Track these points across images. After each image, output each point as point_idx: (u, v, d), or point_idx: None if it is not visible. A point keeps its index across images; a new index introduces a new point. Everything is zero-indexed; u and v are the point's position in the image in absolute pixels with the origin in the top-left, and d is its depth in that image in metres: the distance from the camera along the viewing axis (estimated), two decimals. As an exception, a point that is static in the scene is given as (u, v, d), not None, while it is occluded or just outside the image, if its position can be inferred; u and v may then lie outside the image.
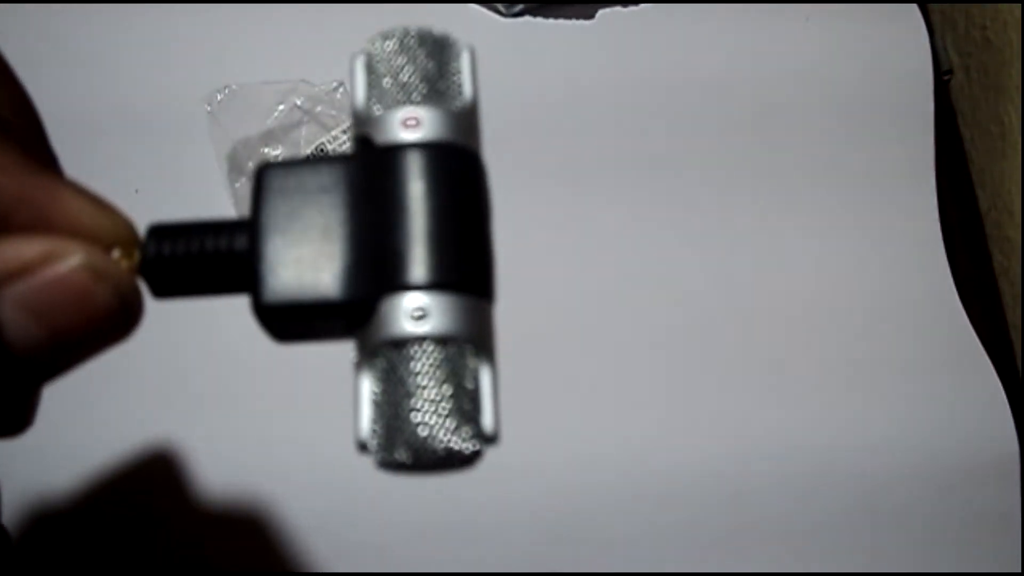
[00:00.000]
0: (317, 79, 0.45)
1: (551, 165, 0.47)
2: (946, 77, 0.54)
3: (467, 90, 0.19)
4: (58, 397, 0.18)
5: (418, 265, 0.17)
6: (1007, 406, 0.46)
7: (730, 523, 0.43)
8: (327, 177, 0.18)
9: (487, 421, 0.17)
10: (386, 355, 0.17)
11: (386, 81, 0.19)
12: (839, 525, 0.43)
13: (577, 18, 0.50)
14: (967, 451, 0.45)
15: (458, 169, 0.18)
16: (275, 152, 0.44)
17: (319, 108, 0.44)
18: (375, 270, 0.17)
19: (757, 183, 0.48)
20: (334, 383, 0.42)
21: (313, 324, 0.18)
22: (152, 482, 0.40)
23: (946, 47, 0.55)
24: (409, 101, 0.19)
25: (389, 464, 0.17)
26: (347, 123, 0.44)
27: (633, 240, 0.47)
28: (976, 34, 0.53)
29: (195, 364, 0.42)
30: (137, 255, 0.18)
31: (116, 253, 0.18)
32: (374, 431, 0.17)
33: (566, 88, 0.48)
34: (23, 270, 0.16)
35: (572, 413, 0.43)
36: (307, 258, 0.18)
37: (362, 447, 0.17)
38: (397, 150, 0.18)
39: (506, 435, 0.45)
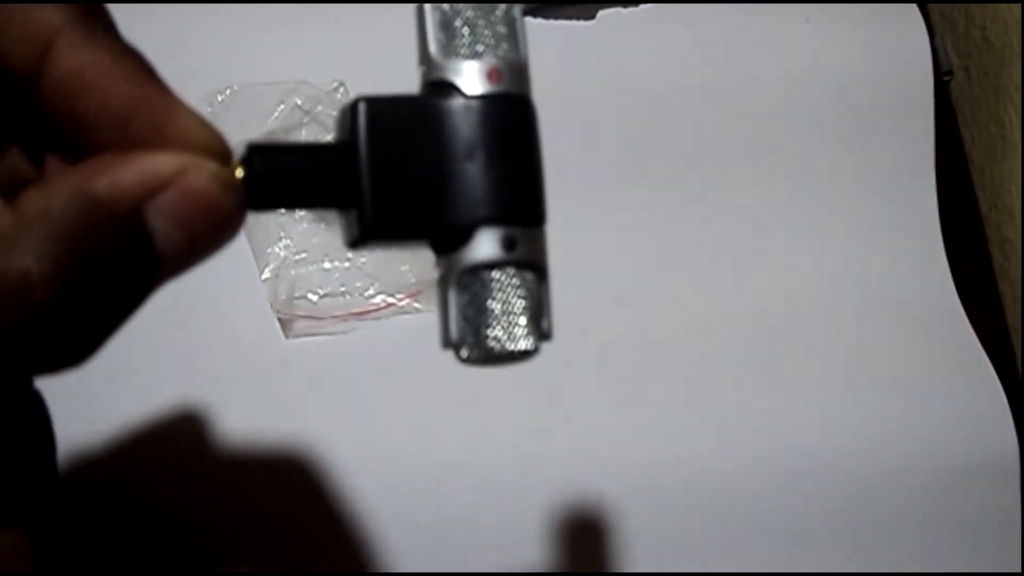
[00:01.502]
0: (317, 79, 0.45)
1: (551, 165, 0.46)
2: (946, 78, 0.54)
3: (523, 46, 0.22)
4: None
5: (508, 203, 0.21)
6: (1007, 407, 0.46)
7: (730, 523, 0.43)
8: (418, 112, 0.21)
9: (546, 325, 0.22)
10: (479, 275, 0.21)
11: (464, 31, 0.22)
12: (839, 525, 0.43)
13: (577, 19, 0.50)
14: (967, 451, 0.45)
15: (528, 118, 0.22)
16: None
17: (319, 108, 0.44)
18: (472, 202, 0.21)
19: (757, 183, 0.48)
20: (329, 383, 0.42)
21: (408, 240, 0.21)
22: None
23: (946, 48, 0.55)
24: (482, 55, 0.22)
25: (471, 361, 0.21)
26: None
27: (632, 240, 0.47)
28: (976, 35, 0.53)
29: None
30: (239, 169, 0.20)
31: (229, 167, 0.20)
32: (463, 334, 0.21)
33: (566, 88, 0.48)
34: (165, 183, 0.18)
35: (572, 413, 0.43)
36: (407, 184, 0.21)
37: (448, 345, 0.21)
38: (486, 100, 0.21)
39: (505, 436, 0.45)
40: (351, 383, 0.42)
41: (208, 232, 0.19)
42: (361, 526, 0.40)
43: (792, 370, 0.45)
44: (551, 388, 0.43)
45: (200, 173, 0.18)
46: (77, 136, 0.19)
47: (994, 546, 0.44)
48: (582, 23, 0.50)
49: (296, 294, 0.42)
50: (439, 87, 0.21)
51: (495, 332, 0.21)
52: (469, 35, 0.22)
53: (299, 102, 0.44)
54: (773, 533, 0.43)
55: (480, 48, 0.22)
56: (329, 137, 0.44)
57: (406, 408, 0.42)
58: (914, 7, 0.52)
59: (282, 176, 0.20)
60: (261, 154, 0.20)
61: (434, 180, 0.21)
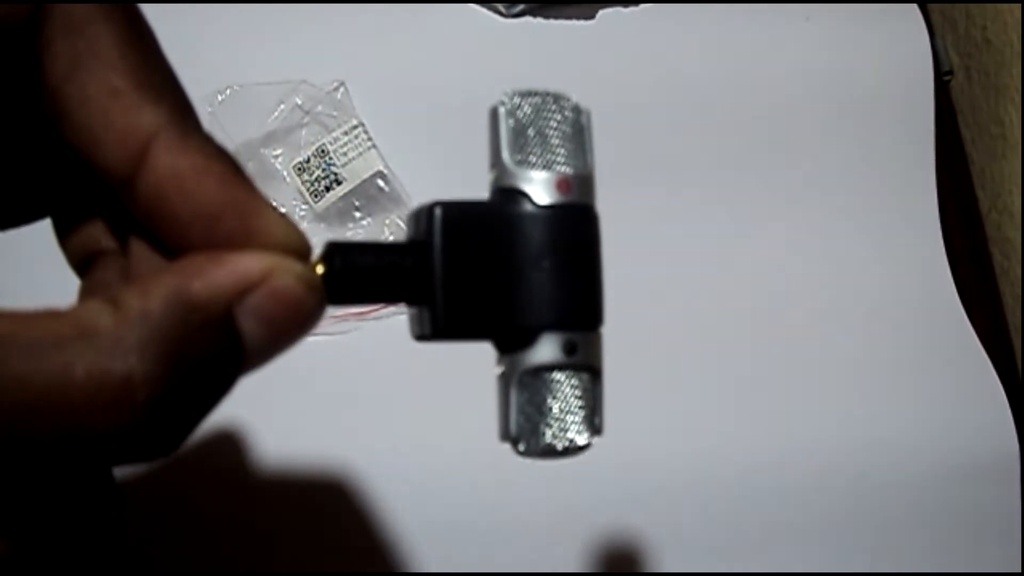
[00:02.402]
0: (317, 79, 0.45)
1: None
2: (946, 78, 0.54)
3: (591, 156, 0.24)
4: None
5: (570, 309, 0.23)
6: (1007, 406, 0.46)
7: (730, 522, 0.43)
8: (491, 218, 0.22)
9: (598, 422, 0.23)
10: (541, 376, 0.22)
11: (535, 141, 0.23)
12: (839, 525, 0.43)
13: (577, 18, 0.50)
14: (967, 451, 0.45)
15: (592, 227, 0.24)
16: (275, 153, 0.44)
17: (319, 108, 0.44)
18: (537, 307, 0.22)
19: (757, 183, 0.48)
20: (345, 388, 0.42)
21: (473, 339, 0.22)
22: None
23: (946, 48, 0.55)
24: (551, 166, 0.23)
25: (528, 455, 0.23)
26: (348, 124, 0.44)
27: (632, 240, 0.47)
28: (976, 35, 0.53)
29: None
30: (319, 267, 0.21)
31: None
32: (521, 430, 0.23)
33: (566, 89, 0.48)
34: (254, 284, 0.19)
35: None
36: (478, 286, 0.22)
37: (507, 439, 0.23)
38: (555, 210, 0.23)
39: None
40: (351, 383, 0.42)
41: (292, 329, 0.20)
42: (361, 525, 0.40)
43: (792, 370, 0.45)
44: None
45: (286, 274, 0.19)
46: (167, 231, 0.19)
47: (994, 546, 0.44)
48: (582, 23, 0.50)
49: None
50: (509, 194, 0.22)
51: (552, 430, 0.23)
52: (540, 145, 0.23)
53: (299, 102, 0.44)
54: (773, 533, 0.43)
55: (550, 158, 0.23)
56: (330, 137, 0.44)
57: (406, 408, 0.42)
58: (914, 7, 0.52)
59: (360, 274, 0.21)
60: (341, 253, 0.21)
61: (503, 285, 0.22)
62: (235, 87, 0.44)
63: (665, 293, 0.46)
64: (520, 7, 0.49)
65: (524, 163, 0.23)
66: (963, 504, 0.44)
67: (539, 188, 0.23)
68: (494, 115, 0.23)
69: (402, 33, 0.48)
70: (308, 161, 0.43)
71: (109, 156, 0.19)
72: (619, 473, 0.42)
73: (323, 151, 0.43)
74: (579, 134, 0.24)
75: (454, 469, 0.42)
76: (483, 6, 0.49)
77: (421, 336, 0.23)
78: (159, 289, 0.18)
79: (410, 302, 0.22)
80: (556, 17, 0.50)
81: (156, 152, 0.19)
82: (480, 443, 0.42)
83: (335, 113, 0.44)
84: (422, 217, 0.22)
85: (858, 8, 0.52)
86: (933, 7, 0.55)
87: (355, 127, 0.44)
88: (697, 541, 0.42)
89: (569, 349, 0.23)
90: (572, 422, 0.23)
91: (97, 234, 0.22)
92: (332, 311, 0.43)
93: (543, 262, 0.22)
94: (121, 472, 0.40)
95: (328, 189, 0.43)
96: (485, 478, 0.42)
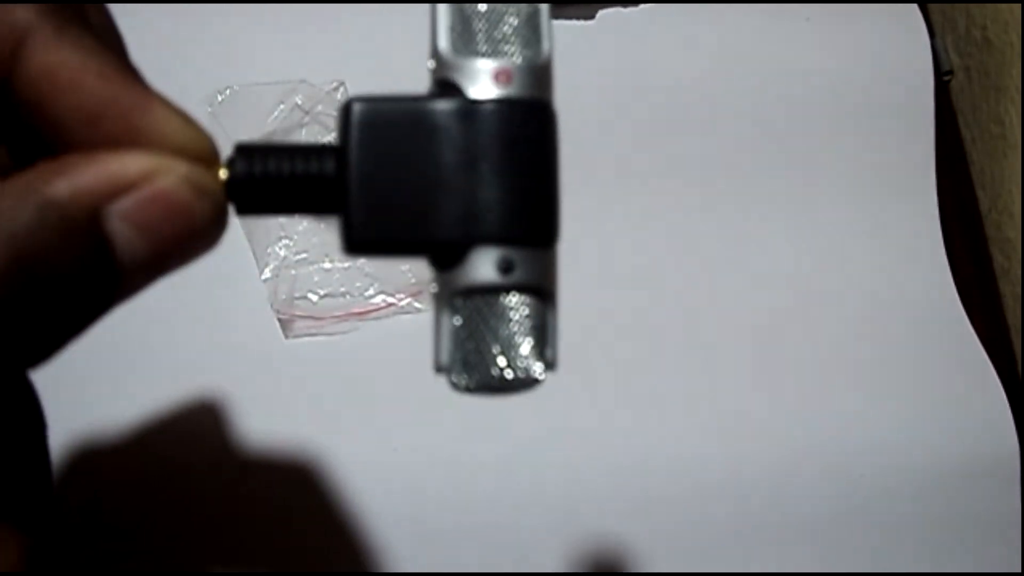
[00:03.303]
0: (317, 79, 0.45)
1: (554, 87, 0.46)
2: (946, 77, 0.54)
3: (547, 44, 0.20)
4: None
5: (508, 220, 0.19)
6: (1007, 407, 0.46)
7: (729, 522, 0.43)
8: (415, 116, 0.19)
9: (549, 355, 0.20)
10: (473, 298, 0.19)
11: (476, 26, 0.20)
12: (839, 525, 0.43)
13: (577, 18, 0.50)
14: (967, 451, 0.45)
15: (541, 125, 0.20)
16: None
17: (319, 108, 0.44)
18: (467, 218, 0.19)
19: (756, 183, 0.48)
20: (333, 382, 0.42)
21: (398, 255, 0.20)
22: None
23: (946, 47, 0.55)
24: (497, 53, 0.20)
25: (463, 388, 0.20)
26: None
27: (632, 240, 0.47)
28: (976, 34, 0.53)
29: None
30: (223, 171, 0.19)
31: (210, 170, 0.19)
32: (454, 359, 0.20)
33: (566, 89, 0.48)
34: (129, 185, 0.17)
35: (573, 413, 0.43)
36: (398, 193, 0.19)
37: (439, 370, 0.20)
38: (489, 104, 0.19)
39: (506, 435, 0.45)
40: (351, 383, 0.42)
41: (177, 240, 0.18)
42: (361, 526, 0.40)
43: (791, 370, 0.45)
44: (552, 387, 0.43)
45: (169, 175, 0.17)
46: (53, 137, 0.18)
47: (994, 546, 0.44)
48: (582, 23, 0.50)
49: (296, 294, 0.42)
50: (445, 87, 0.20)
51: (487, 359, 0.20)
52: (483, 32, 0.20)
53: (299, 102, 0.44)
54: (772, 533, 0.43)
55: (493, 45, 0.20)
56: (330, 137, 0.44)
57: (406, 408, 0.42)
58: (914, 7, 0.52)
59: (268, 181, 0.19)
60: (247, 156, 0.19)
61: (428, 192, 0.19)
62: (235, 87, 0.44)
63: (664, 292, 0.46)
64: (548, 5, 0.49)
65: (462, 51, 0.20)
66: (963, 504, 0.44)
67: (476, 80, 0.19)
68: (435, 6, 0.20)
69: (402, 33, 0.48)
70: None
71: None
72: (618, 473, 0.42)
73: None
74: (532, 18, 0.20)
75: (454, 469, 0.42)
76: (483, 6, 0.49)
77: (343, 250, 0.20)
78: (13, 187, 0.16)
79: (329, 213, 0.20)
80: (556, 17, 0.49)
81: (29, 48, 0.18)
82: (480, 443, 0.42)
83: (335, 113, 0.44)
84: (340, 116, 0.20)
85: (858, 8, 0.52)
86: (933, 7, 0.55)
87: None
88: (696, 541, 0.42)
89: (504, 267, 0.19)
90: (512, 352, 0.20)
91: (3, 160, 0.21)
92: (333, 311, 0.43)
93: (475, 166, 0.19)
94: (123, 473, 0.40)
95: (328, 189, 0.43)
96: (485, 478, 0.42)
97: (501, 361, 0.20)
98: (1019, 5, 0.49)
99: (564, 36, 0.49)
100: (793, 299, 0.46)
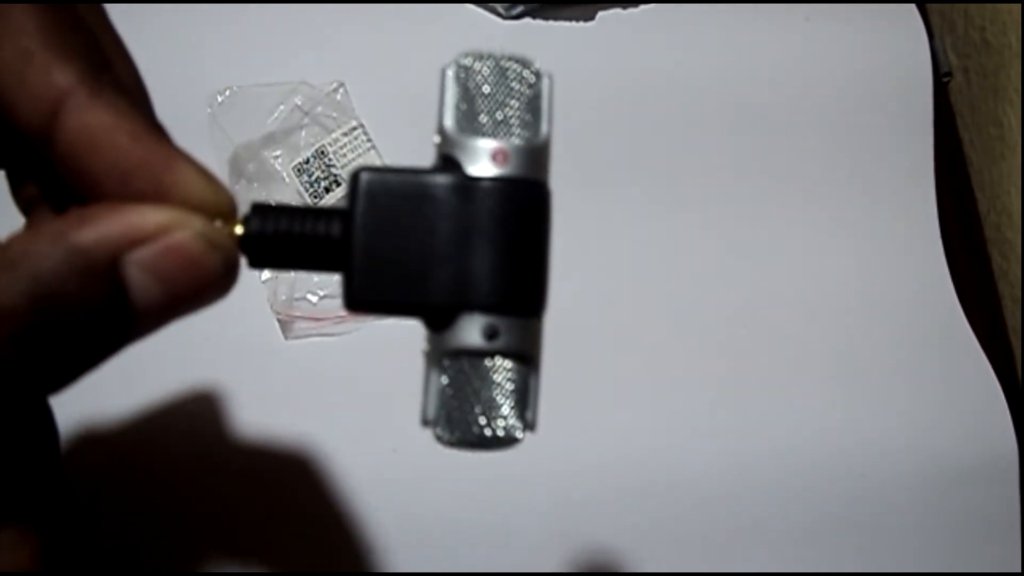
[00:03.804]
0: (317, 79, 0.45)
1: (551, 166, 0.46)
2: (945, 79, 0.54)
3: (546, 127, 0.22)
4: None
5: (496, 291, 0.21)
6: (1006, 407, 0.46)
7: (729, 523, 0.43)
8: (417, 188, 0.21)
9: (529, 417, 0.22)
10: (459, 360, 0.21)
11: (479, 106, 0.21)
12: (839, 525, 0.43)
13: (577, 20, 0.50)
14: (966, 452, 0.45)
15: (534, 204, 0.22)
16: (275, 154, 0.44)
17: (319, 109, 0.44)
18: (458, 285, 0.21)
19: (756, 184, 0.48)
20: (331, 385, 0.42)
21: (394, 314, 0.21)
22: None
23: (945, 49, 0.55)
24: (498, 134, 0.21)
25: (444, 443, 0.21)
26: (347, 125, 0.44)
27: (632, 240, 0.47)
28: (975, 36, 0.53)
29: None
30: (239, 227, 0.21)
31: (219, 223, 0.20)
32: (439, 415, 0.21)
33: (566, 90, 0.48)
34: (148, 236, 0.19)
35: (573, 412, 0.43)
36: (397, 258, 0.21)
37: (425, 423, 0.21)
38: (485, 182, 0.21)
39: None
40: (351, 383, 0.42)
41: (190, 288, 0.19)
42: (361, 526, 0.40)
43: (791, 370, 0.45)
44: (552, 388, 0.43)
45: (185, 230, 0.19)
46: (87, 190, 0.20)
47: (994, 546, 0.44)
48: (582, 24, 0.50)
49: (296, 295, 0.42)
50: (447, 162, 0.21)
51: (469, 418, 0.21)
52: (487, 112, 0.21)
53: (299, 102, 0.44)
54: (772, 533, 0.43)
55: (494, 126, 0.21)
56: (329, 138, 0.44)
57: (406, 408, 0.42)
58: (913, 8, 0.52)
59: (279, 239, 0.21)
60: (261, 215, 0.21)
61: (424, 259, 0.21)
62: (235, 88, 0.44)
63: (663, 293, 0.46)
64: (519, 8, 0.49)
65: (466, 130, 0.21)
66: (962, 505, 0.44)
67: (476, 158, 0.21)
68: (443, 76, 0.22)
69: (402, 34, 0.48)
70: (308, 162, 0.43)
71: (24, 115, 0.19)
72: (617, 473, 0.42)
73: (323, 152, 0.44)
74: (534, 101, 0.22)
75: (453, 469, 0.42)
76: (482, 7, 0.49)
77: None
78: (45, 231, 0.18)
79: (333, 271, 0.21)
80: (555, 19, 0.50)
81: (67, 110, 0.19)
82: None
83: (335, 114, 0.44)
84: (349, 184, 0.21)
85: (857, 9, 0.52)
86: (932, 8, 0.55)
87: (354, 128, 0.44)
88: (695, 542, 0.42)
89: (490, 333, 0.21)
90: (494, 412, 0.21)
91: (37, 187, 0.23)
92: (333, 312, 0.43)
93: (470, 239, 0.21)
94: (122, 473, 0.40)
95: (328, 190, 0.43)
96: (484, 478, 0.42)
97: (482, 421, 0.21)
98: (1018, 6, 0.49)
99: (564, 37, 0.49)
100: (792, 300, 0.46)
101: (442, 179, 0.21)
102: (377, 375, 0.42)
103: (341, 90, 0.45)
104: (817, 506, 0.43)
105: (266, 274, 0.42)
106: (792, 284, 0.47)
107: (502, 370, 0.21)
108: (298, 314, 0.42)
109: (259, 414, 0.41)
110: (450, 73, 0.21)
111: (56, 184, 0.22)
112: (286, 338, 0.42)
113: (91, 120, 0.19)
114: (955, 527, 0.44)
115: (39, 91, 0.19)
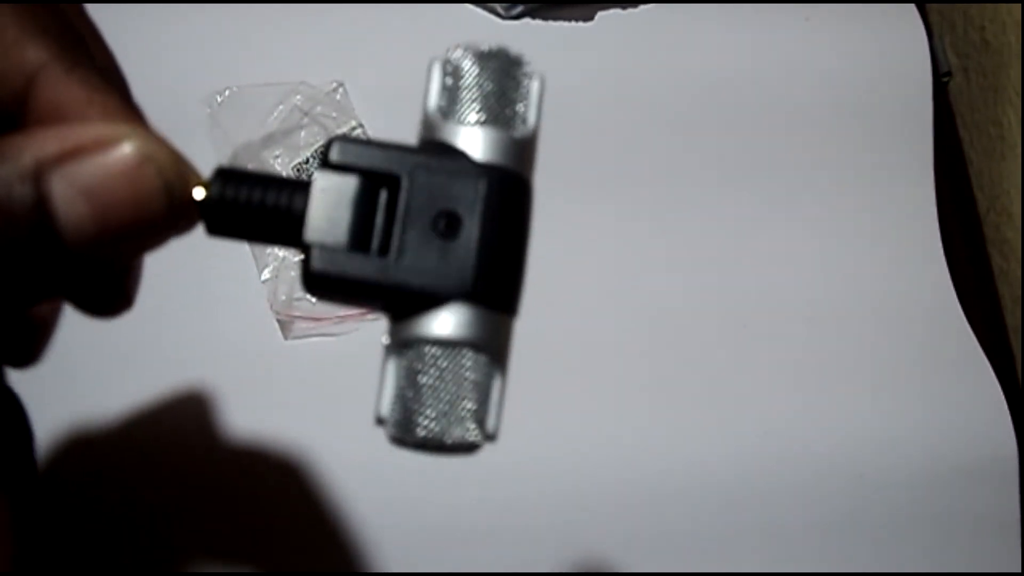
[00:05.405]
0: (317, 79, 0.45)
1: (551, 166, 0.46)
2: (945, 78, 0.54)
3: (532, 119, 0.20)
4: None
5: (470, 278, 0.19)
6: (1006, 407, 0.46)
7: (729, 523, 0.43)
8: (393, 165, 0.19)
9: (490, 424, 0.19)
10: (418, 350, 0.19)
11: (463, 95, 0.20)
12: (839, 525, 0.43)
13: (577, 20, 0.50)
14: (966, 452, 0.45)
15: (515, 196, 0.20)
16: (275, 154, 0.44)
17: (319, 109, 0.44)
18: (428, 268, 0.19)
19: (756, 184, 0.48)
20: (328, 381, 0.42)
21: (356, 297, 0.20)
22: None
23: (945, 48, 0.55)
24: (479, 122, 0.20)
25: (399, 442, 0.20)
26: (347, 125, 0.44)
27: (631, 240, 0.47)
28: (975, 35, 0.53)
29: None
30: (199, 191, 0.19)
31: (183, 168, 0.19)
32: (393, 411, 0.19)
33: (566, 90, 0.48)
34: (79, 151, 0.17)
35: (570, 414, 0.43)
36: (360, 237, 0.19)
37: (379, 422, 0.20)
38: (467, 163, 0.19)
39: (502, 436, 0.45)
40: (351, 384, 0.42)
41: (122, 211, 0.18)
42: (360, 527, 0.40)
43: (791, 370, 0.45)
44: (550, 389, 0.43)
45: (125, 146, 0.18)
46: None
47: (994, 546, 0.44)
48: (582, 23, 0.50)
49: (296, 295, 0.42)
50: (426, 145, 0.20)
51: (425, 417, 0.19)
52: (469, 101, 0.20)
53: (299, 103, 0.44)
54: (771, 534, 0.43)
55: (480, 116, 0.20)
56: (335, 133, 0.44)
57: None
58: (913, 7, 0.52)
59: (239, 207, 0.19)
60: (224, 179, 0.19)
61: (387, 241, 0.19)
62: (234, 88, 0.44)
63: (663, 292, 0.46)
64: (519, 8, 0.49)
65: (451, 117, 0.20)
66: (962, 505, 0.44)
67: (462, 142, 0.20)
68: (430, 65, 0.20)
69: (401, 34, 0.48)
70: (308, 162, 0.43)
71: None
72: (617, 473, 0.42)
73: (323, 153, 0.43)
74: (523, 96, 0.20)
75: (453, 469, 0.42)
76: (481, 7, 0.49)
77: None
78: None
79: (294, 246, 0.19)
80: (555, 19, 0.50)
81: (40, 85, 0.19)
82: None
83: (334, 114, 0.44)
84: (321, 153, 0.20)
85: (857, 8, 0.52)
86: (931, 8, 0.55)
87: (354, 128, 0.44)
88: (695, 542, 0.42)
89: (460, 322, 0.19)
90: (453, 414, 0.19)
91: None
92: (332, 312, 0.43)
93: (449, 222, 0.19)
94: (121, 473, 0.40)
95: (328, 190, 0.43)
96: (484, 478, 0.42)
97: (440, 422, 0.19)
98: (1017, 6, 0.49)
99: (564, 36, 0.49)
100: (791, 300, 0.46)
101: (423, 157, 0.19)
102: (377, 375, 0.42)
103: (341, 90, 0.45)
104: (816, 506, 0.43)
105: (266, 274, 0.42)
106: (791, 284, 0.47)
107: (470, 365, 0.19)
108: (298, 314, 0.42)
109: (259, 414, 0.41)
110: (437, 63, 0.20)
111: None
112: (286, 338, 0.42)
113: (64, 95, 0.19)
114: (955, 527, 0.44)
115: (13, 66, 0.19)
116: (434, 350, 0.19)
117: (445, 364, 0.19)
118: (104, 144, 0.17)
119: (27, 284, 0.18)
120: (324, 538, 0.40)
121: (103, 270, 0.20)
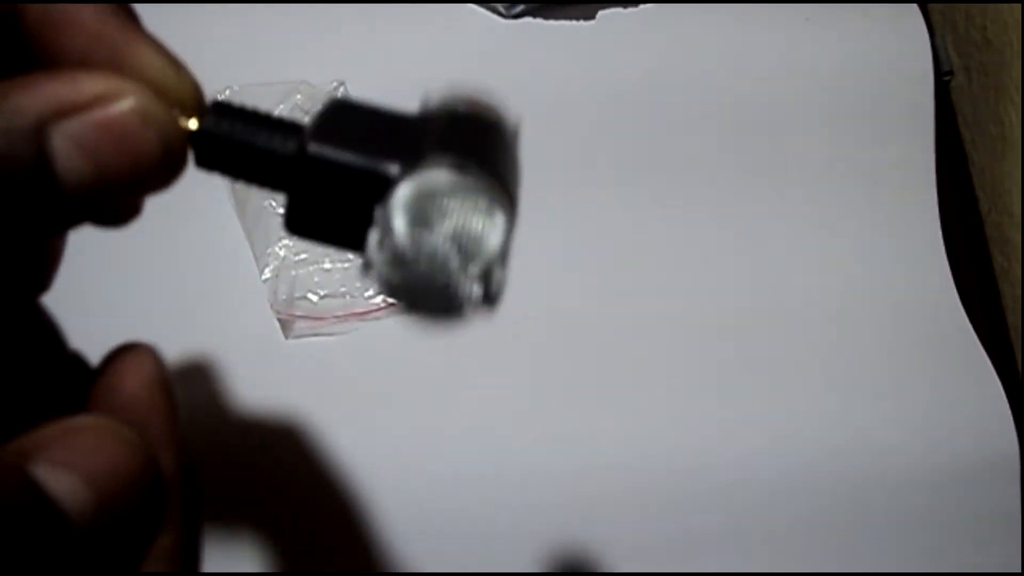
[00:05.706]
0: (317, 79, 0.45)
1: (551, 166, 0.46)
2: (946, 78, 0.54)
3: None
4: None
5: (471, 152, 0.18)
6: (1007, 407, 0.46)
7: (729, 523, 0.43)
8: (391, 119, 0.19)
9: (495, 287, 0.18)
10: (418, 197, 0.18)
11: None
12: (838, 525, 0.43)
13: (577, 19, 0.50)
14: (967, 452, 0.45)
15: (508, 136, 0.20)
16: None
17: (319, 108, 0.44)
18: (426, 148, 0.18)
19: (756, 183, 0.48)
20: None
21: (347, 183, 0.19)
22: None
23: (946, 47, 0.55)
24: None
25: (387, 284, 0.18)
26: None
27: (632, 240, 0.47)
28: (976, 35, 0.53)
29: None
30: (193, 121, 0.19)
31: (175, 112, 0.19)
32: (379, 250, 0.18)
33: (566, 90, 0.48)
34: (78, 106, 0.17)
35: (571, 413, 0.43)
36: (359, 125, 0.19)
37: (367, 267, 0.18)
38: (464, 105, 0.20)
39: (503, 437, 0.45)
40: (351, 383, 0.42)
41: (120, 166, 0.18)
42: (361, 527, 0.40)
43: (790, 370, 0.45)
44: (552, 386, 0.43)
45: (120, 102, 0.18)
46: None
47: (994, 546, 0.44)
48: (582, 23, 0.50)
49: (296, 294, 0.42)
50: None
51: (423, 255, 0.18)
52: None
53: (299, 102, 0.44)
54: (771, 533, 0.43)
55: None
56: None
57: (406, 409, 0.42)
58: (914, 7, 0.52)
59: (230, 144, 0.19)
60: (218, 113, 0.19)
61: (388, 130, 0.19)
62: (235, 87, 0.44)
63: (663, 292, 0.46)
64: (520, 8, 0.49)
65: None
66: (963, 504, 0.44)
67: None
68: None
69: (402, 33, 0.48)
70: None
71: None
72: (617, 473, 0.42)
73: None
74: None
75: (454, 469, 0.42)
76: (483, 7, 0.49)
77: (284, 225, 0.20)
78: None
79: (279, 189, 0.20)
80: (556, 18, 0.50)
81: None
82: (480, 444, 0.42)
83: (335, 113, 0.44)
84: (321, 108, 0.20)
85: (858, 8, 0.52)
86: (933, 7, 0.55)
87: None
88: (694, 541, 0.42)
89: (460, 168, 0.18)
90: (451, 265, 0.18)
91: None
92: (333, 311, 0.43)
93: (442, 134, 0.19)
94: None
95: (328, 189, 0.43)
96: (485, 478, 0.42)
97: (430, 263, 0.18)
98: (1019, 5, 0.49)
99: (564, 36, 0.49)
100: (793, 299, 0.46)
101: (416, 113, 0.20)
102: (377, 375, 0.42)
103: (341, 89, 0.45)
104: (816, 506, 0.43)
105: (266, 274, 0.42)
106: (793, 283, 0.47)
107: (472, 209, 0.18)
108: (298, 314, 0.42)
109: (258, 413, 0.41)
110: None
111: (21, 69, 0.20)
112: (286, 337, 0.42)
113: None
114: (955, 527, 0.44)
115: None
116: (441, 193, 0.18)
117: (453, 207, 0.18)
118: (103, 100, 0.18)
119: (35, 223, 0.18)
120: (324, 537, 0.40)
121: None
